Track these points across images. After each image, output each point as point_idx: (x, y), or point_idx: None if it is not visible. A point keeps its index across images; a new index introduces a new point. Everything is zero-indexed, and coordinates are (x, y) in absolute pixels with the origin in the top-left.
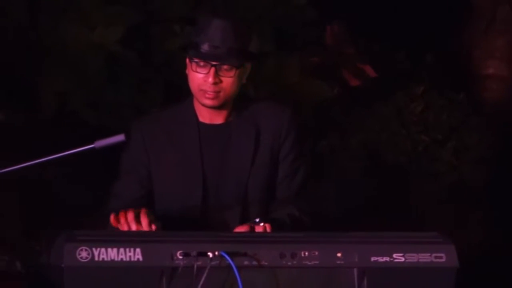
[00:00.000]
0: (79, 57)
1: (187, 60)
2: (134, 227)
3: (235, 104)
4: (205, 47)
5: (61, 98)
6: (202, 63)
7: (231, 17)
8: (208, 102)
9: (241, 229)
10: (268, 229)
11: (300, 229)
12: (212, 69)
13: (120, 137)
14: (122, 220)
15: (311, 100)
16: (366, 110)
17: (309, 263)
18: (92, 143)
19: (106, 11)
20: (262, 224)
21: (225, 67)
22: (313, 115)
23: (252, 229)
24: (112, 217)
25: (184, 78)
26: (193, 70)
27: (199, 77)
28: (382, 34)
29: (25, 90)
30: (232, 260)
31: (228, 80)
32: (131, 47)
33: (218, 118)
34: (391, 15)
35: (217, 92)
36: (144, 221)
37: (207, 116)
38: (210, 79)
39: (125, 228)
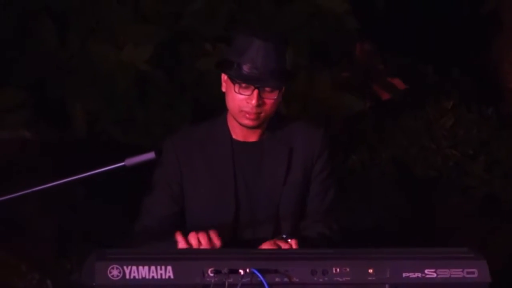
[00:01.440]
0: (108, 76)
1: (224, 79)
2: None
3: (268, 122)
4: (246, 69)
5: (91, 117)
6: (244, 85)
7: (271, 37)
8: (249, 123)
9: (267, 246)
10: (294, 246)
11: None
12: (256, 92)
13: (150, 155)
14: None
15: (342, 114)
16: (396, 124)
17: (341, 280)
18: (122, 161)
19: (135, 30)
20: (288, 240)
21: (267, 89)
22: (343, 129)
23: (278, 246)
24: (182, 238)
25: (213, 96)
26: (235, 92)
27: (241, 99)
28: (409, 48)
29: (56, 109)
30: (263, 277)
31: (270, 102)
32: (160, 65)
33: (251, 136)
34: (417, 29)
35: (258, 113)
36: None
37: (241, 133)
38: (254, 102)
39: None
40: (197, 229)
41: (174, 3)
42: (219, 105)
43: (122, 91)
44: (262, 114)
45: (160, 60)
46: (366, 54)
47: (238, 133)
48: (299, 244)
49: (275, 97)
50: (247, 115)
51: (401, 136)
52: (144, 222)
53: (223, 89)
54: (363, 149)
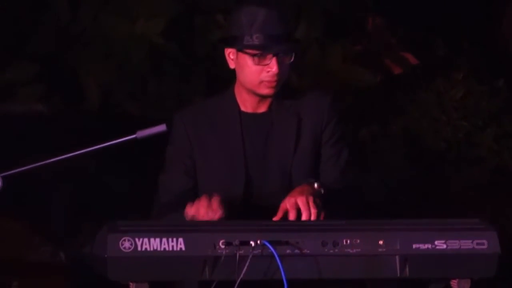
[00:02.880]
0: (122, 49)
1: (231, 55)
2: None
3: (277, 93)
4: (257, 39)
5: (104, 90)
6: (259, 54)
7: (273, 3)
8: (270, 91)
9: (289, 200)
10: (313, 216)
11: (351, 199)
12: (274, 59)
13: (161, 127)
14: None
15: (353, 87)
16: (406, 96)
17: (351, 251)
18: (134, 133)
19: (148, 3)
20: (316, 185)
21: (281, 54)
22: (354, 102)
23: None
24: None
25: (226, 69)
26: (254, 64)
27: (258, 69)
28: (419, 21)
29: (69, 83)
30: (274, 248)
31: (286, 67)
32: (173, 38)
33: (260, 107)
34: (427, 1)
35: (278, 81)
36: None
37: (249, 105)
38: (274, 69)
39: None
40: None
41: None
42: (233, 78)
43: (135, 64)
44: (280, 81)
45: (173, 33)
46: (378, 28)
47: (247, 105)
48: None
49: (289, 61)
50: (267, 84)
51: (412, 108)
52: (163, 200)
53: (232, 66)
54: (373, 122)
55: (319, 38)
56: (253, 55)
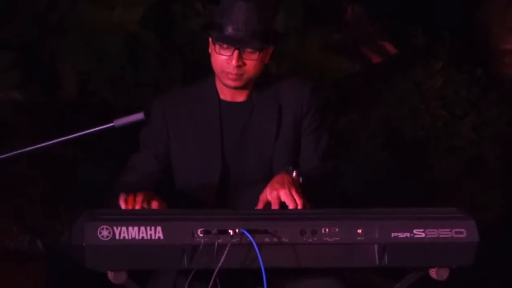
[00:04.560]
0: (99, 38)
1: (210, 40)
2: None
3: (256, 82)
4: (228, 30)
5: (82, 78)
6: (225, 46)
7: None
8: (231, 83)
9: (270, 192)
10: (299, 206)
11: (329, 186)
12: (236, 52)
13: (139, 116)
14: (131, 201)
15: (332, 76)
16: (385, 85)
17: (330, 240)
18: (112, 121)
19: None
20: (294, 174)
21: (248, 50)
22: (333, 91)
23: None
24: (121, 198)
25: (205, 57)
26: (216, 52)
27: (222, 59)
28: (398, 9)
29: (46, 71)
30: (253, 237)
31: (251, 63)
32: (151, 26)
33: (239, 96)
34: None
35: (240, 74)
36: (154, 203)
37: (229, 94)
38: (234, 62)
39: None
40: (184, 189)
41: None
42: (211, 66)
43: (113, 53)
44: (245, 75)
45: (151, 21)
46: (357, 16)
47: (226, 94)
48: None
49: (256, 58)
50: (229, 75)
51: (391, 97)
52: (125, 177)
53: (210, 50)
54: (352, 111)
55: (298, 27)
56: (219, 44)
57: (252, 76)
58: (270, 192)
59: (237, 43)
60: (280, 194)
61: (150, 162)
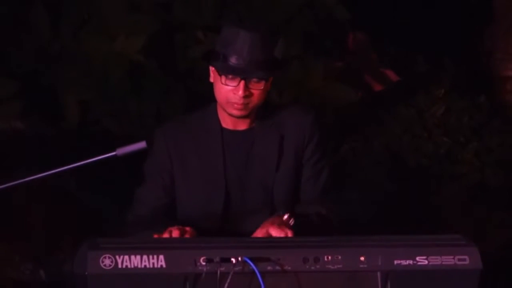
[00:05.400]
0: (101, 67)
1: (212, 69)
2: None
3: (258, 110)
4: (233, 60)
5: (84, 107)
6: (230, 76)
7: (258, 28)
8: (237, 112)
9: (262, 229)
10: (289, 234)
11: (327, 227)
12: (242, 83)
13: (141, 144)
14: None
15: (334, 104)
16: (388, 113)
17: (332, 267)
18: (114, 151)
19: (127, 21)
20: (286, 216)
21: (254, 79)
22: (336, 118)
23: (270, 234)
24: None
25: (207, 85)
26: (222, 83)
27: (228, 90)
28: (400, 37)
29: (49, 100)
30: (255, 265)
31: (257, 92)
32: (153, 55)
33: (241, 125)
34: (408, 18)
35: (246, 104)
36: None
37: (231, 122)
38: (240, 93)
39: None
40: (187, 218)
41: None
42: (213, 94)
43: (115, 82)
44: (250, 104)
45: (152, 50)
46: (359, 44)
47: (228, 122)
48: (296, 223)
49: (262, 88)
50: (235, 105)
51: (393, 124)
52: (136, 212)
53: (211, 80)
54: (355, 138)
55: (300, 55)
56: (224, 75)
57: (257, 105)
58: (260, 231)
59: (243, 74)
60: (270, 230)
61: (158, 194)
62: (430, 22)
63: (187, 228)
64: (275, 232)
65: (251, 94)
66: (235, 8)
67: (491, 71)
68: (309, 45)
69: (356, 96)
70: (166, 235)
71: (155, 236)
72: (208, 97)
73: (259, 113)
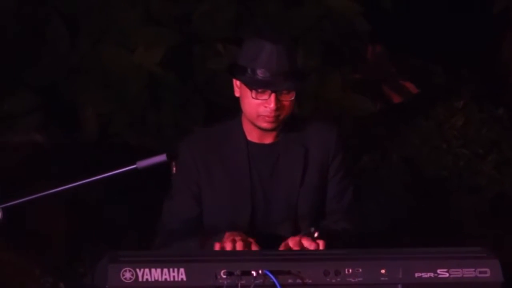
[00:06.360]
0: (120, 79)
1: (238, 84)
2: None
3: (283, 123)
4: (260, 73)
5: (103, 119)
6: (260, 90)
7: (282, 39)
8: (268, 125)
9: (292, 241)
10: (321, 246)
11: (355, 244)
12: (273, 95)
13: (161, 157)
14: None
15: (353, 116)
16: (407, 124)
17: (353, 280)
18: (134, 163)
19: (146, 33)
20: (316, 234)
21: (284, 91)
22: (354, 130)
23: (302, 245)
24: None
25: (225, 97)
26: (253, 98)
27: (258, 103)
28: (419, 48)
29: (67, 112)
30: (276, 278)
31: (288, 103)
32: (172, 67)
33: (267, 138)
34: (427, 29)
35: (277, 116)
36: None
37: (256, 135)
38: (272, 106)
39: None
40: (213, 230)
41: (184, 5)
42: (231, 106)
43: (134, 94)
44: (281, 116)
45: (171, 62)
46: (378, 56)
47: (253, 135)
48: (327, 242)
49: (292, 98)
50: (266, 118)
51: (412, 136)
52: (169, 226)
53: (237, 94)
54: (374, 150)
55: (318, 67)
56: (254, 89)
57: (287, 117)
58: (292, 239)
59: (274, 86)
60: (302, 240)
61: (191, 206)
62: (449, 33)
63: (250, 239)
64: (307, 243)
65: (282, 106)
66: (253, 20)
67: (510, 83)
68: (328, 56)
69: (375, 107)
70: (228, 244)
71: (217, 244)
72: (227, 108)
73: (284, 126)
